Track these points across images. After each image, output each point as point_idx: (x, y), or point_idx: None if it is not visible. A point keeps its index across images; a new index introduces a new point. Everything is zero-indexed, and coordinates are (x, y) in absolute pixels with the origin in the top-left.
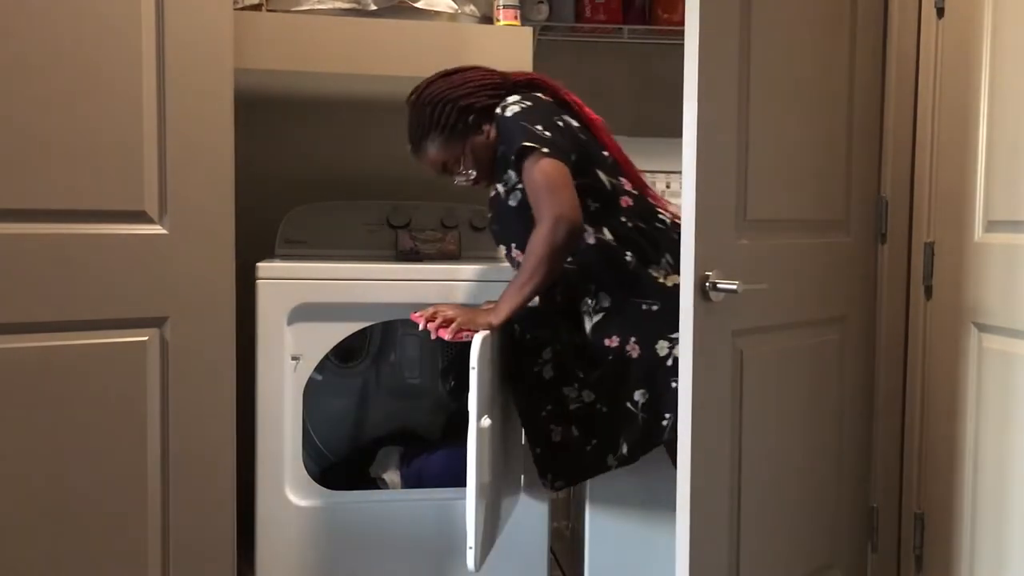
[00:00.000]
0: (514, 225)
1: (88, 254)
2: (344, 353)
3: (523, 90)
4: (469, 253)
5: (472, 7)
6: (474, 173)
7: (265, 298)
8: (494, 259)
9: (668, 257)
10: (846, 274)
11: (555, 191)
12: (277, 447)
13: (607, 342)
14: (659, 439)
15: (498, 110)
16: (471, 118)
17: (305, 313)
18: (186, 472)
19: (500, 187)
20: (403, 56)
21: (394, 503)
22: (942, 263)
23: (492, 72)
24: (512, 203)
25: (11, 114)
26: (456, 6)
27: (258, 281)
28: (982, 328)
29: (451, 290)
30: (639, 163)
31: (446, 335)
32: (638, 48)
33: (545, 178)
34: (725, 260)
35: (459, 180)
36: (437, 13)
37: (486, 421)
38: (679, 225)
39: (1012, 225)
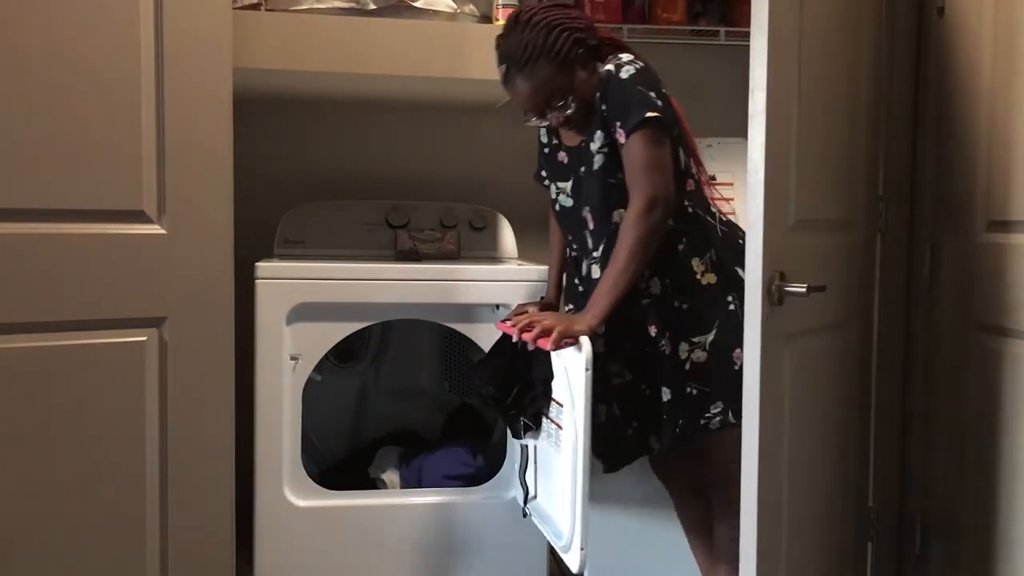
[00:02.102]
0: (595, 188)
1: (86, 254)
2: (343, 353)
3: (618, 49)
4: (468, 253)
5: (471, 7)
6: (573, 107)
7: (264, 298)
8: (493, 258)
9: (712, 253)
10: (848, 274)
11: (658, 170)
12: (276, 447)
13: (649, 328)
14: (669, 444)
15: (610, 67)
16: (581, 51)
17: (304, 313)
18: (185, 472)
19: (591, 144)
20: (402, 55)
21: (393, 503)
22: (943, 263)
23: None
24: (596, 166)
25: (10, 114)
26: (455, 5)
27: (257, 281)
28: (984, 328)
29: (450, 290)
30: None
31: (548, 346)
32: (638, 48)
33: (650, 154)
34: (785, 263)
35: (551, 116)
36: (436, 12)
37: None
38: (729, 222)
39: (1014, 225)
